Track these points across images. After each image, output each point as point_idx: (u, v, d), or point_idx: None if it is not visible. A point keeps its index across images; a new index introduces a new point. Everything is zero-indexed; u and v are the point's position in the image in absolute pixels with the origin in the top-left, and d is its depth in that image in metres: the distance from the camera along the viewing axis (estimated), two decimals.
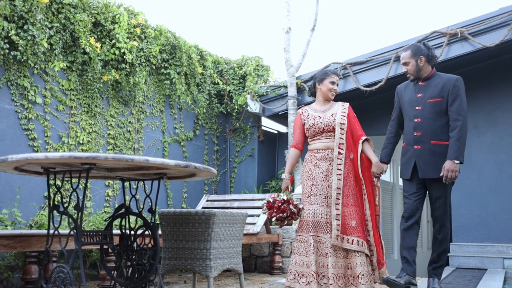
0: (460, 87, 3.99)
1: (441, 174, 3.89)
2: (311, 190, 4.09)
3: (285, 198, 4.05)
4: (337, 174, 4.03)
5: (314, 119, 4.19)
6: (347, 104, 4.29)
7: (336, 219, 3.93)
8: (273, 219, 4.10)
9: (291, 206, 4.04)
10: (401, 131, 4.39)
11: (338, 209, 3.95)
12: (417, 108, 4.08)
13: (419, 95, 4.10)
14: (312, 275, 3.85)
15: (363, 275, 3.84)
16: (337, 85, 4.33)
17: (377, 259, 3.99)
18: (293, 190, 7.42)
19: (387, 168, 4.25)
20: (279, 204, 4.03)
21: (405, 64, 4.19)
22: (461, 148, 3.86)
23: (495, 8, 6.41)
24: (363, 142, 4.17)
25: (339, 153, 4.08)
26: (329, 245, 3.90)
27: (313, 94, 4.42)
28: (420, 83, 4.15)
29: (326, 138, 4.15)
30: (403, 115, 4.27)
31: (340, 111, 4.20)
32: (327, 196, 4.02)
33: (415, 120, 4.07)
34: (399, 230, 4.22)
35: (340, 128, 4.11)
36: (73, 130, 5.75)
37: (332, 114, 4.18)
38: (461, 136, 3.87)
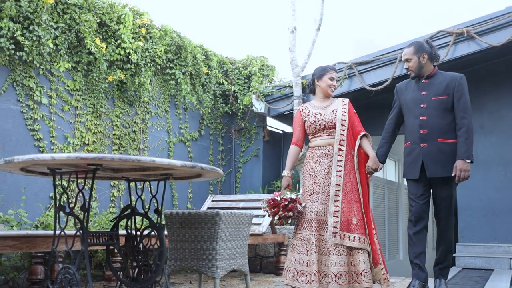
0: (464, 85, 3.97)
1: (453, 174, 3.85)
2: (313, 188, 4.04)
3: (293, 197, 3.98)
4: (337, 171, 3.98)
5: (315, 116, 4.15)
6: (347, 100, 4.25)
7: (334, 216, 3.87)
8: (276, 217, 4.01)
9: (298, 205, 3.98)
10: (397, 131, 4.35)
11: (337, 206, 3.89)
12: (422, 106, 4.03)
13: (423, 93, 4.05)
14: (314, 274, 3.81)
15: (366, 272, 3.78)
16: (336, 80, 4.29)
17: (372, 258, 3.90)
18: (298, 190, 7.40)
19: (382, 167, 4.22)
20: (286, 203, 3.96)
21: (407, 60, 4.14)
22: (470, 147, 3.83)
23: (501, 7, 6.37)
24: (361, 137, 4.12)
25: (340, 149, 4.03)
26: (331, 243, 3.85)
27: (312, 91, 4.37)
28: (423, 81, 4.10)
29: (328, 135, 4.11)
30: (405, 113, 4.20)
31: (341, 107, 4.16)
32: (329, 194, 3.97)
33: (421, 118, 4.02)
34: (406, 233, 4.18)
35: (341, 125, 4.07)
36: (79, 130, 5.75)
37: (333, 111, 4.14)
38: (470, 135, 3.85)
